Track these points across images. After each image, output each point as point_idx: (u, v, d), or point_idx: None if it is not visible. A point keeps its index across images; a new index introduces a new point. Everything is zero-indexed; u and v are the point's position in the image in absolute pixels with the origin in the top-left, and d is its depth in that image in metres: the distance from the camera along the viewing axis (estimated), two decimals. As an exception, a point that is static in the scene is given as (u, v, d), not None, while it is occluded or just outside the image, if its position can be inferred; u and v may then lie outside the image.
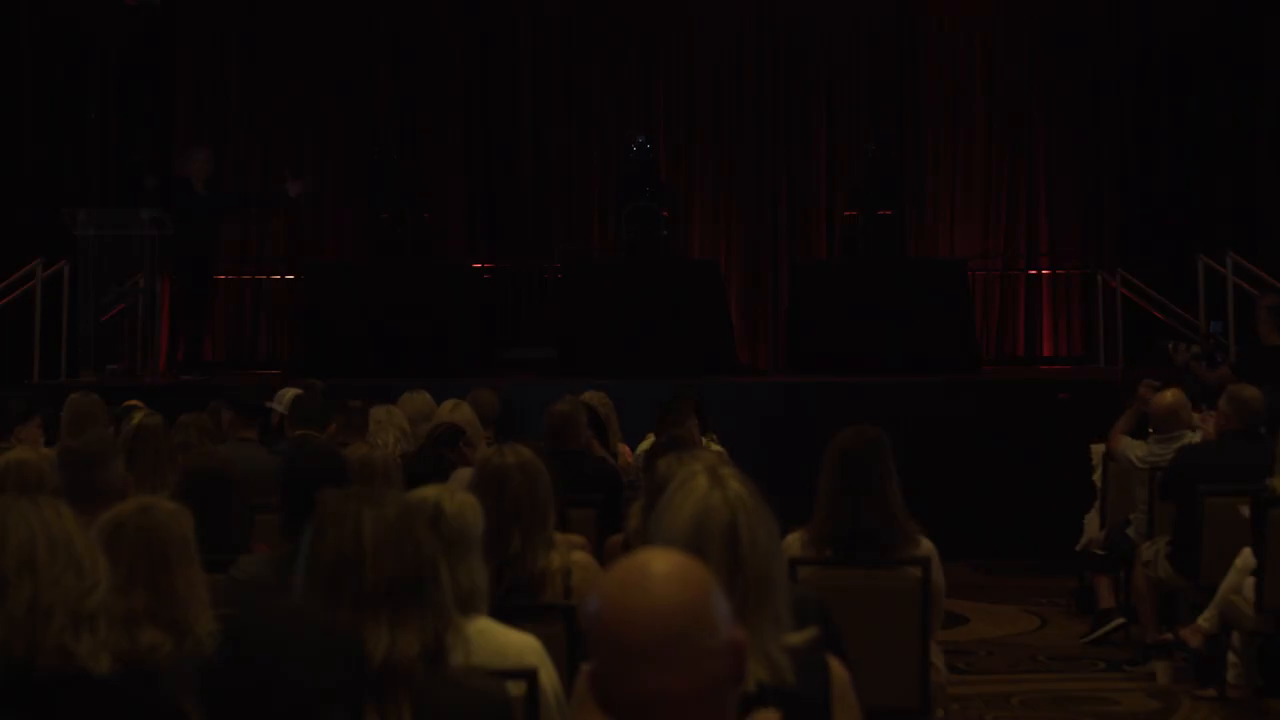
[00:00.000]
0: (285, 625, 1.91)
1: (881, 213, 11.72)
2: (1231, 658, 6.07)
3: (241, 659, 1.85)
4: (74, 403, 6.56)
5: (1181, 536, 6.43)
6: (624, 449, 7.48)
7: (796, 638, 2.44)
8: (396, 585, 2.42)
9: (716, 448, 6.42)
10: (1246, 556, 5.84)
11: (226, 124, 14.04)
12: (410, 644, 2.39)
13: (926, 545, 4.28)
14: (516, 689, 2.75)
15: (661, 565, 1.78)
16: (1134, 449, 7.16)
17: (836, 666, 2.51)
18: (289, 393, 7.67)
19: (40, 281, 11.06)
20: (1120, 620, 7.22)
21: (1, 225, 11.66)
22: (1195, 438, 6.97)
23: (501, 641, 2.91)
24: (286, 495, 3.81)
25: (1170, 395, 7.30)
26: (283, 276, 13.31)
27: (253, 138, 14.10)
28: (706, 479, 2.50)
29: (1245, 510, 5.91)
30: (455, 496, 3.03)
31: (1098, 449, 8.24)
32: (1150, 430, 7.23)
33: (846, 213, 12.02)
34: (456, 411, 6.48)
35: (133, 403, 6.45)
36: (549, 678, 2.91)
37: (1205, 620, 6.10)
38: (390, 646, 2.37)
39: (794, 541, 4.24)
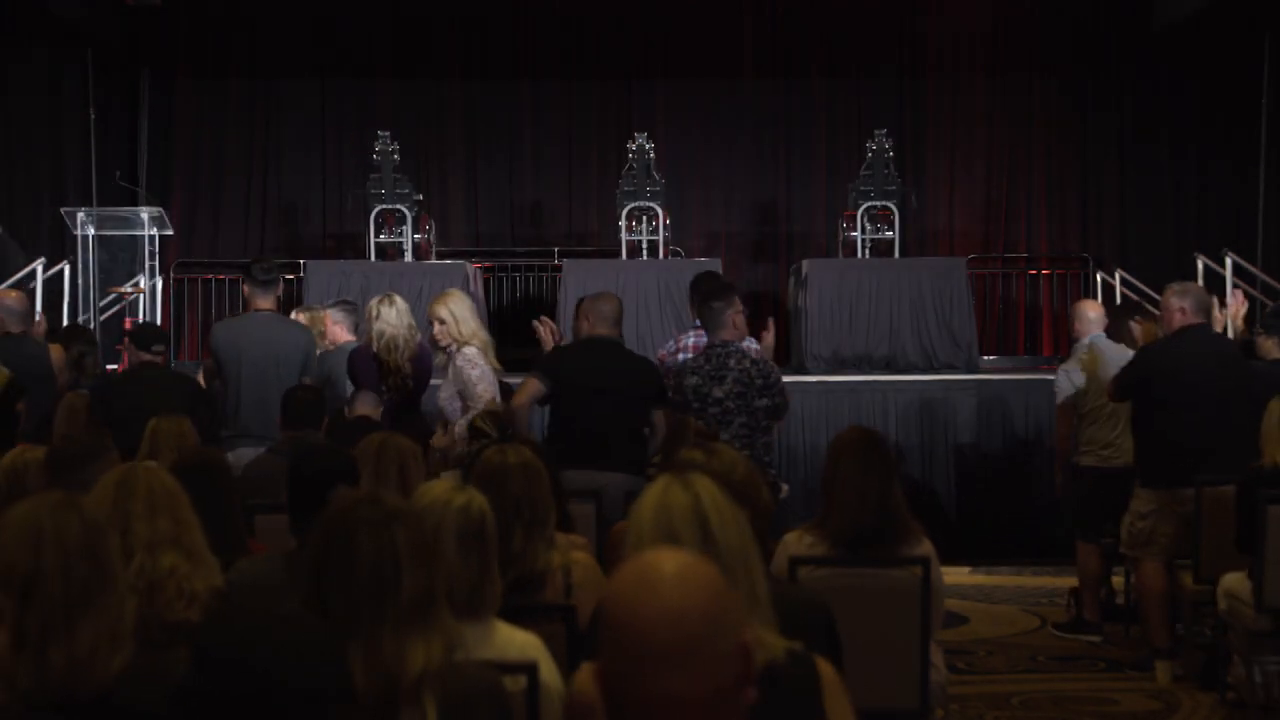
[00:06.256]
0: (269, 630, 1.89)
1: (881, 212, 11.74)
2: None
3: (213, 663, 1.84)
4: (69, 403, 6.54)
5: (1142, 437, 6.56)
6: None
7: (779, 644, 2.43)
8: (419, 597, 2.40)
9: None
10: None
11: (225, 123, 14.04)
12: (437, 648, 2.39)
13: (926, 545, 4.27)
14: (516, 685, 2.74)
15: (673, 565, 1.75)
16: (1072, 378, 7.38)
17: (824, 666, 2.50)
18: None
19: (40, 282, 11.06)
20: (1096, 639, 7.26)
21: (1, 225, 11.65)
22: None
23: (505, 641, 2.90)
24: (296, 496, 3.76)
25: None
26: (282, 276, 13.28)
27: (252, 136, 14.10)
28: (672, 477, 2.51)
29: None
30: (476, 499, 3.00)
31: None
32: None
33: (846, 212, 12.03)
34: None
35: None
36: (551, 675, 2.90)
37: (1206, 621, 6.09)
38: (426, 656, 2.36)
39: (795, 539, 4.23)
